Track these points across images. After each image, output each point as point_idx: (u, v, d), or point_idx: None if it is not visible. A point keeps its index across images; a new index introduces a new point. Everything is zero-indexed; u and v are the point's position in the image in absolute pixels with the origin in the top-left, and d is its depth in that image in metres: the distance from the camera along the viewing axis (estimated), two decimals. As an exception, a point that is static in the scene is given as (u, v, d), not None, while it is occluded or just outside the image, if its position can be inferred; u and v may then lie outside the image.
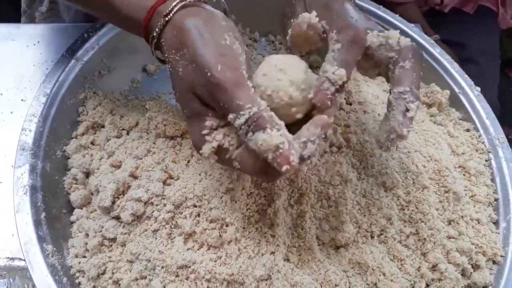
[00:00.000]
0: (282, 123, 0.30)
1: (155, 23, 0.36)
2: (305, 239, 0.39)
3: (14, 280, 0.40)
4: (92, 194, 0.42)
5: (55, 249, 0.38)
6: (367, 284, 0.37)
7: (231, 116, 0.31)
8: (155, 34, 0.36)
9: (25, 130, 0.43)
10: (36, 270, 0.36)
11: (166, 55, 0.35)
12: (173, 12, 0.35)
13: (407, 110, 0.33)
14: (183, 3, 0.35)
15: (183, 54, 0.33)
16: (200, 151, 0.33)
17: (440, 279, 0.40)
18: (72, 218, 0.42)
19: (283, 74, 0.33)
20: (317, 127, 0.31)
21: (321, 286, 0.36)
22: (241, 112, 0.30)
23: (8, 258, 0.40)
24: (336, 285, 0.36)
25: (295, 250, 0.38)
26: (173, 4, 0.35)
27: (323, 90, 0.32)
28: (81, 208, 0.42)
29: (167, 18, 0.35)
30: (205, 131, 0.32)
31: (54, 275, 0.36)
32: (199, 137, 0.33)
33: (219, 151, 0.32)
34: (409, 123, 0.33)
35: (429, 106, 0.54)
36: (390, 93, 0.34)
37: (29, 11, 0.73)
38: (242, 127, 0.30)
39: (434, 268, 0.41)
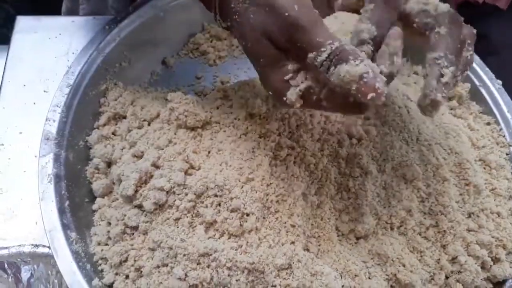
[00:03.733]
0: (365, 56, 0.30)
1: None
2: (324, 230, 0.39)
3: (38, 266, 0.41)
4: (114, 183, 0.43)
5: (78, 236, 0.39)
6: (386, 274, 0.37)
7: (311, 55, 0.30)
8: None
9: (49, 120, 0.44)
10: (60, 257, 0.37)
11: (232, 5, 0.34)
12: None
13: (442, 75, 0.32)
14: None
15: (252, 1, 0.33)
16: (285, 98, 0.32)
17: (459, 271, 0.40)
18: (94, 207, 0.42)
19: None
20: (396, 39, 0.32)
21: (341, 275, 0.36)
22: (322, 49, 0.30)
23: (32, 245, 0.41)
24: (356, 275, 0.36)
25: (314, 240, 0.39)
26: None
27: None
28: (103, 197, 0.43)
29: None
30: (288, 76, 0.32)
31: (78, 261, 0.37)
32: (281, 84, 0.33)
33: (304, 95, 0.32)
34: (444, 89, 0.32)
35: (449, 99, 0.53)
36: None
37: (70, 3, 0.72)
38: (324, 63, 0.30)
39: (453, 260, 0.40)
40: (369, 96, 0.28)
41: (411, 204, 0.40)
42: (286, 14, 0.31)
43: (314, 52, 0.30)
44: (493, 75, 0.54)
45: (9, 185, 0.47)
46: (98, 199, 0.43)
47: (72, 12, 0.71)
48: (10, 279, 0.41)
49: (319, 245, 0.39)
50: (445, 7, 0.34)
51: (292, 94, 0.32)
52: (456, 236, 0.41)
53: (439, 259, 0.40)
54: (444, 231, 0.41)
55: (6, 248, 0.41)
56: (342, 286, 0.35)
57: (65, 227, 0.38)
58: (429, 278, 0.39)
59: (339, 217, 0.40)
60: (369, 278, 0.37)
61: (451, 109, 0.53)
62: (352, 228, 0.39)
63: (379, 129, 0.45)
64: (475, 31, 0.35)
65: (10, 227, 0.45)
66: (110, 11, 0.68)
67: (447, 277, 0.40)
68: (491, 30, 0.87)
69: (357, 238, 0.40)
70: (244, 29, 0.34)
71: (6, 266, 0.41)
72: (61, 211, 0.39)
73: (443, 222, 0.41)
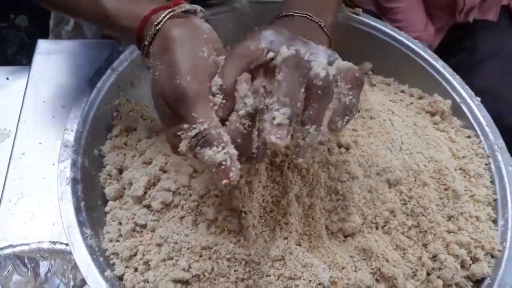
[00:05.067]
0: (229, 139, 0.33)
1: (147, 32, 0.39)
2: (315, 228, 0.43)
3: (55, 262, 0.45)
4: (125, 188, 0.47)
5: (93, 233, 0.43)
6: (371, 268, 0.41)
7: (185, 126, 0.34)
8: (146, 43, 0.39)
9: (68, 130, 0.49)
10: (77, 250, 0.41)
11: (151, 60, 0.38)
12: (162, 22, 0.38)
13: (273, 118, 0.32)
14: (172, 13, 0.38)
15: (163, 60, 0.36)
16: (178, 149, 0.35)
17: (440, 268, 0.43)
18: (107, 209, 0.47)
19: None
20: (241, 83, 0.33)
21: (329, 268, 0.40)
22: (193, 126, 0.33)
23: (50, 242, 0.45)
24: (343, 268, 0.40)
25: (306, 237, 0.43)
26: (163, 14, 0.38)
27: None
28: (114, 201, 0.47)
29: (157, 28, 0.38)
30: (179, 132, 0.35)
31: (92, 255, 0.41)
32: (174, 138, 0.35)
33: (193, 148, 0.35)
34: (278, 130, 0.31)
35: (433, 114, 0.58)
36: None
37: (56, 30, 0.80)
38: (192, 139, 0.34)
39: (434, 258, 0.44)
40: (224, 182, 0.32)
41: (394, 206, 0.44)
42: (177, 81, 0.34)
43: (187, 125, 0.34)
44: (473, 93, 0.59)
45: (29, 190, 0.52)
46: (110, 202, 0.47)
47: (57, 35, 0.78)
48: (29, 273, 0.45)
49: (310, 242, 0.42)
50: (284, 51, 0.34)
51: (183, 146, 0.35)
52: (436, 236, 0.44)
53: (420, 257, 0.44)
54: (425, 231, 0.44)
55: (26, 244, 0.45)
56: (330, 277, 0.39)
57: (80, 224, 0.42)
58: (412, 274, 0.43)
59: (328, 217, 0.44)
60: (355, 271, 0.41)
61: (435, 123, 0.57)
62: (340, 227, 0.43)
63: (365, 139, 0.49)
64: (358, 74, 0.35)
65: (29, 227, 0.49)
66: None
67: (428, 274, 0.44)
68: (479, 43, 0.91)
69: (345, 236, 0.44)
70: (152, 83, 0.38)
71: (26, 261, 0.45)
72: (77, 210, 0.43)
73: (424, 223, 0.44)
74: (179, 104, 0.34)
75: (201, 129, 0.33)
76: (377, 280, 0.41)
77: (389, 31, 0.64)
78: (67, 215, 0.42)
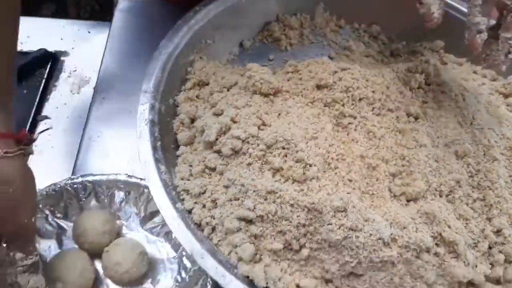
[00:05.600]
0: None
1: None
2: (378, 189, 0.43)
3: (129, 193, 0.49)
4: (196, 136, 0.50)
5: (166, 170, 0.46)
6: (432, 232, 0.41)
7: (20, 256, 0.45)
8: None
9: (148, 76, 0.52)
10: (152, 182, 0.44)
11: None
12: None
13: (509, 52, 0.41)
14: (6, 154, 0.39)
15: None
16: None
17: (503, 243, 0.43)
18: (178, 152, 0.50)
19: None
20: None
21: (391, 225, 0.40)
22: (30, 256, 0.44)
23: (126, 175, 0.49)
24: (404, 227, 0.40)
25: (368, 196, 0.43)
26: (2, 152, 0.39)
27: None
28: (186, 146, 0.50)
29: None
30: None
31: (166, 188, 0.44)
32: None
33: None
34: (509, 63, 0.41)
35: (506, 96, 0.56)
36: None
37: None
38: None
39: (498, 232, 0.43)
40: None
41: (460, 177, 0.44)
42: (22, 220, 0.40)
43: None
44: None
45: (107, 131, 0.56)
46: (181, 147, 0.50)
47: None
48: (105, 200, 0.49)
49: (372, 201, 0.43)
50: None
51: None
52: (502, 211, 0.44)
53: (483, 229, 0.43)
54: (491, 205, 0.44)
55: (105, 175, 0.49)
56: (391, 234, 0.39)
57: (156, 161, 0.46)
58: (473, 244, 0.42)
59: (392, 180, 0.44)
60: (416, 231, 0.41)
61: (508, 105, 0.55)
62: (404, 191, 0.44)
63: (435, 112, 0.49)
64: None
65: (106, 163, 0.53)
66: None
67: (490, 247, 0.43)
68: None
69: (408, 201, 0.44)
70: None
71: (104, 189, 0.49)
72: (154, 148, 0.46)
73: (490, 197, 0.44)
74: (18, 237, 0.42)
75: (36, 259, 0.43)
76: (437, 245, 0.41)
77: (465, 10, 0.62)
78: (144, 151, 0.46)
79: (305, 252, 0.40)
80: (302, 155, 0.43)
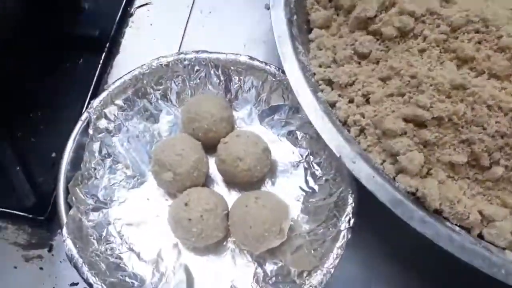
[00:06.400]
0: None
1: None
2: None
3: (249, 79, 0.40)
4: (334, 18, 0.39)
5: (304, 50, 0.36)
6: None
7: None
8: None
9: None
10: (288, 63, 0.34)
11: None
12: None
13: None
14: None
15: None
16: None
17: None
18: (311, 36, 0.39)
19: None
20: None
21: None
22: None
23: (248, 56, 0.39)
24: None
25: None
26: None
27: None
28: (321, 29, 0.39)
29: None
30: None
31: (304, 71, 0.34)
32: None
33: None
34: None
35: None
36: None
37: None
38: None
39: None
40: None
41: None
42: None
43: None
44: None
45: (221, 6, 0.47)
46: (315, 30, 0.39)
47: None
48: (220, 85, 0.41)
49: None
50: None
51: None
52: None
53: None
54: None
55: (223, 53, 0.40)
56: None
57: (293, 37, 0.35)
58: None
59: None
60: None
61: None
62: None
63: None
64: None
65: (219, 41, 0.44)
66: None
67: None
68: None
69: None
70: None
71: (220, 71, 0.40)
72: (289, 22, 0.36)
73: None
74: None
75: None
76: None
77: None
78: (279, 24, 0.36)
79: (498, 170, 0.29)
80: (507, 42, 0.30)
